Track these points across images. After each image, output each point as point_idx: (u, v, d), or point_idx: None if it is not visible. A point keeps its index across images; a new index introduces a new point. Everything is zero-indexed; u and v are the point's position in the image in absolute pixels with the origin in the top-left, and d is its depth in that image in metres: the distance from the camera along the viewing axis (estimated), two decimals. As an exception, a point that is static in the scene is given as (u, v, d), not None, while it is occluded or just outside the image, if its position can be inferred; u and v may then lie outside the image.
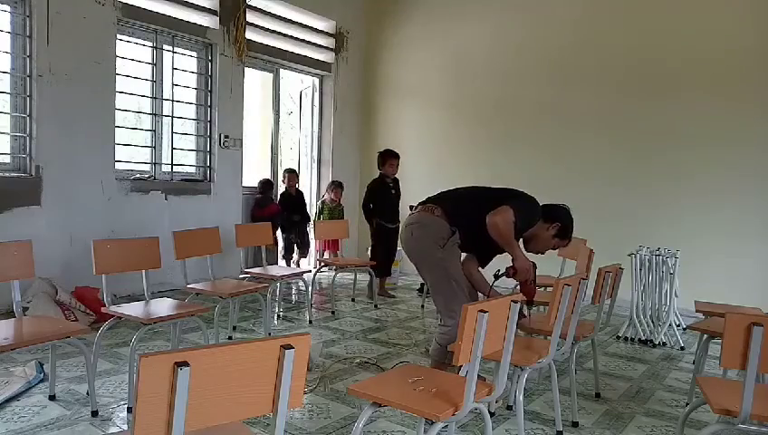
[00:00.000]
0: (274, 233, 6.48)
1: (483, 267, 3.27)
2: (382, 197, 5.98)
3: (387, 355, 4.10)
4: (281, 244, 6.80)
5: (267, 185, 6.75)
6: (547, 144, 6.66)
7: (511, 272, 3.02)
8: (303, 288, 5.99)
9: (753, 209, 5.54)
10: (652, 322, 4.85)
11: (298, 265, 6.94)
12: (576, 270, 4.16)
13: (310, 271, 6.34)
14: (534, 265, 3.08)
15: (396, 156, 6.03)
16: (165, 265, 3.64)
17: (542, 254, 3.25)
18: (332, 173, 7.80)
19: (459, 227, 3.01)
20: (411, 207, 3.37)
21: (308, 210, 7.14)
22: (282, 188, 7.02)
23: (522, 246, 3.11)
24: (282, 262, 6.84)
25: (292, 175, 6.93)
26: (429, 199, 3.17)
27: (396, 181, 6.13)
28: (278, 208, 6.64)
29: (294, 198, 6.88)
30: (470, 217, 2.99)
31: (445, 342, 2.96)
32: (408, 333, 4.75)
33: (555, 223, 3.08)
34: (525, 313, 3.36)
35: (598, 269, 3.11)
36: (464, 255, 3.21)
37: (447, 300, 3.03)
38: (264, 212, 6.44)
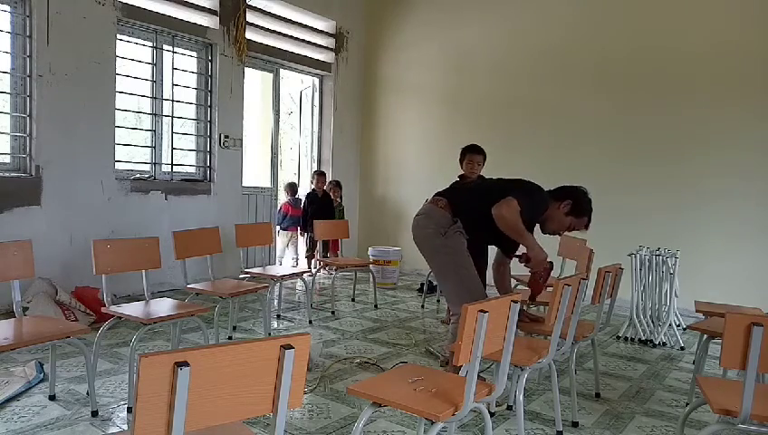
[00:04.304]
0: (301, 232, 7.28)
1: (510, 258, 3.36)
2: None
3: (387, 355, 4.10)
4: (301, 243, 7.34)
5: (297, 195, 7.58)
6: (546, 144, 6.65)
7: (524, 259, 3.07)
8: (303, 288, 5.98)
9: (753, 210, 5.53)
10: (652, 322, 4.85)
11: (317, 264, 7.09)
12: (576, 270, 4.17)
13: (310, 271, 6.35)
14: (551, 264, 3.10)
15: (474, 151, 4.63)
16: (165, 265, 3.65)
17: (560, 235, 3.30)
18: (332, 173, 7.80)
19: (461, 217, 3.08)
20: (427, 201, 3.47)
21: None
22: (308, 188, 7.38)
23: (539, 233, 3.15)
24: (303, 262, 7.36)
25: (321, 177, 7.22)
26: (437, 193, 3.28)
27: None
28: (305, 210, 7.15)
29: (321, 199, 7.08)
30: (471, 207, 3.08)
31: (456, 331, 2.97)
32: (408, 333, 4.74)
33: (566, 200, 3.07)
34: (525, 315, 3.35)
35: (598, 269, 3.11)
36: (491, 255, 3.39)
37: (456, 287, 3.07)
38: (298, 212, 7.24)
